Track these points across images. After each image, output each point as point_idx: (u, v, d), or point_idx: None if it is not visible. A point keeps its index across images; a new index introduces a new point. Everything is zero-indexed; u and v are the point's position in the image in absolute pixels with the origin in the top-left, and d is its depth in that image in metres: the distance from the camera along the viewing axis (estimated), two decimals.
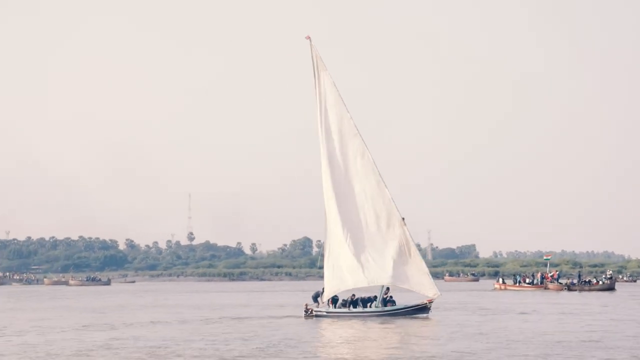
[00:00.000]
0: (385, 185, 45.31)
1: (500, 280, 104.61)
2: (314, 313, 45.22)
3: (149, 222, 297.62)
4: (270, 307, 58.33)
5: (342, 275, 45.11)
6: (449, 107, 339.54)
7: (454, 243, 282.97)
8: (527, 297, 72.05)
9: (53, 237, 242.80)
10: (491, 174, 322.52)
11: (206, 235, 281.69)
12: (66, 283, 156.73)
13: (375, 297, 45.53)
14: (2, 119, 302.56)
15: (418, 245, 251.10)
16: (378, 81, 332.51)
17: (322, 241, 47.28)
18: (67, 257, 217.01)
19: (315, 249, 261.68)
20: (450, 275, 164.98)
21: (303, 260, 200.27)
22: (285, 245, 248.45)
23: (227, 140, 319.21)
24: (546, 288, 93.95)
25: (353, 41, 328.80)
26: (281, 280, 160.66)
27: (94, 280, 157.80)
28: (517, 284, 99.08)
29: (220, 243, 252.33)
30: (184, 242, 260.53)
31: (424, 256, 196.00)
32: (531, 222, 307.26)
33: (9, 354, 28.46)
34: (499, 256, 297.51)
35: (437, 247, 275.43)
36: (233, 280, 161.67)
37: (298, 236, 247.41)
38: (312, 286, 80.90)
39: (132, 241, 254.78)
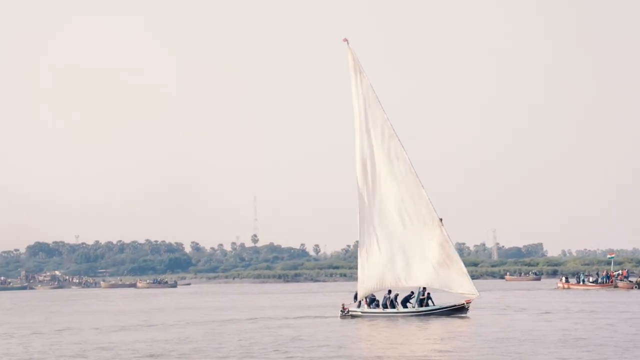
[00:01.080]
0: (422, 186, 45.40)
1: (564, 279, 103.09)
2: (350, 313, 45.63)
3: (216, 224, 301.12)
4: (309, 307, 58.87)
5: (377, 275, 45.43)
6: (498, 105, 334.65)
7: (520, 242, 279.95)
8: (604, 297, 70.03)
9: (120, 240, 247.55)
10: (560, 171, 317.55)
11: (271, 237, 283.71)
12: (134, 286, 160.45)
13: (413, 293, 45.75)
14: None
15: (482, 245, 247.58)
16: (417, 82, 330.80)
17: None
18: (133, 261, 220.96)
19: None
20: (511, 274, 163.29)
21: None
22: (348, 246, 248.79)
23: (270, 143, 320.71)
24: (615, 286, 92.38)
25: (388, 42, 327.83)
26: (336, 281, 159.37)
27: (160, 283, 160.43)
28: (581, 283, 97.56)
29: (285, 245, 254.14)
30: (249, 244, 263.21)
31: (489, 256, 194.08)
32: (601, 219, 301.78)
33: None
34: (567, 255, 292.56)
35: (503, 247, 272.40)
36: (288, 281, 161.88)
37: None
38: None
39: (198, 244, 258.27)
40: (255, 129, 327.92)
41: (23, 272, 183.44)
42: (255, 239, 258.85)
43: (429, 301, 45.51)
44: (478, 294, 45.05)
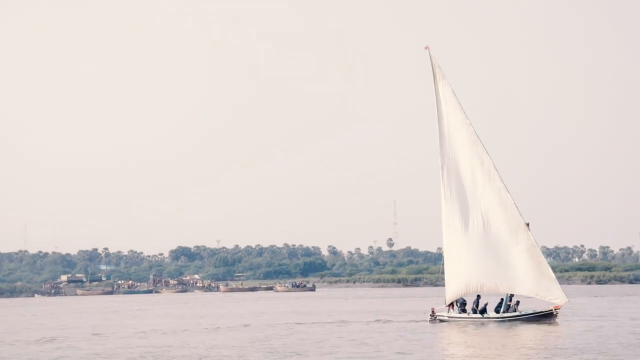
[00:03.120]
0: (507, 190, 44.96)
1: None
2: (439, 318, 45.79)
3: (354, 228, 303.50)
4: (406, 312, 59.18)
5: (462, 281, 45.37)
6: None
7: None
8: None
9: (259, 245, 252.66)
10: None
11: (410, 241, 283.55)
12: (254, 289, 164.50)
13: (502, 300, 45.32)
14: None
15: (629, 249, 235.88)
16: (501, 85, 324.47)
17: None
18: (269, 264, 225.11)
19: None
20: None
21: None
22: None
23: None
24: None
25: (467, 48, 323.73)
26: None
27: (298, 287, 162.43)
28: None
29: (422, 249, 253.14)
30: (386, 248, 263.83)
31: (634, 260, 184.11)
32: None
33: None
34: None
35: None
36: (407, 286, 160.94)
37: None
38: None
39: (335, 248, 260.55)
40: (397, 132, 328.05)
41: (151, 277, 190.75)
42: (390, 242, 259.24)
43: (517, 307, 44.99)
44: (567, 300, 44.22)
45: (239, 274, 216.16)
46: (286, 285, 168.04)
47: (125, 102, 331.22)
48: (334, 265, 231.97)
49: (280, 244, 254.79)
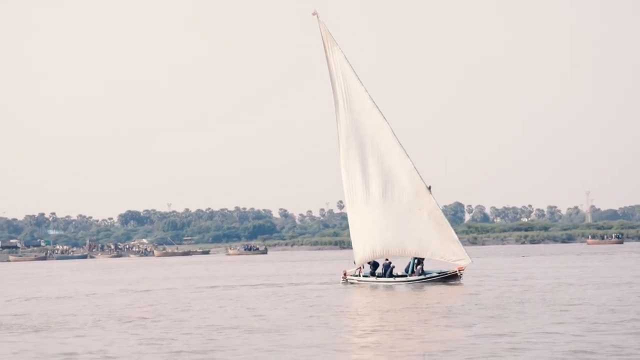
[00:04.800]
0: (407, 155, 45.40)
1: None
2: (349, 280, 46.38)
3: (309, 192, 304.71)
4: (317, 275, 59.70)
5: (368, 246, 45.88)
6: None
7: (617, 204, 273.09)
8: None
9: (209, 208, 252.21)
10: None
11: None
12: (188, 254, 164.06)
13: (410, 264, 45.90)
14: None
15: (576, 208, 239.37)
16: (396, 50, 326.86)
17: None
18: (218, 228, 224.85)
19: (467, 215, 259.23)
20: (593, 237, 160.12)
21: (454, 227, 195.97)
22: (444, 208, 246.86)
23: None
24: None
25: (360, 13, 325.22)
26: None
27: (250, 250, 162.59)
28: None
29: None
30: (337, 211, 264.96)
31: (582, 219, 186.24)
32: None
33: None
34: None
35: (599, 209, 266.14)
36: (344, 248, 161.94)
37: (449, 201, 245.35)
38: None
39: (286, 211, 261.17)
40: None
41: (88, 241, 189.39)
42: (341, 205, 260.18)
43: (422, 270, 45.58)
44: (470, 261, 44.98)
45: (188, 238, 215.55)
46: (238, 248, 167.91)
47: (80, 64, 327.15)
48: (283, 228, 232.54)
49: (231, 208, 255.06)
